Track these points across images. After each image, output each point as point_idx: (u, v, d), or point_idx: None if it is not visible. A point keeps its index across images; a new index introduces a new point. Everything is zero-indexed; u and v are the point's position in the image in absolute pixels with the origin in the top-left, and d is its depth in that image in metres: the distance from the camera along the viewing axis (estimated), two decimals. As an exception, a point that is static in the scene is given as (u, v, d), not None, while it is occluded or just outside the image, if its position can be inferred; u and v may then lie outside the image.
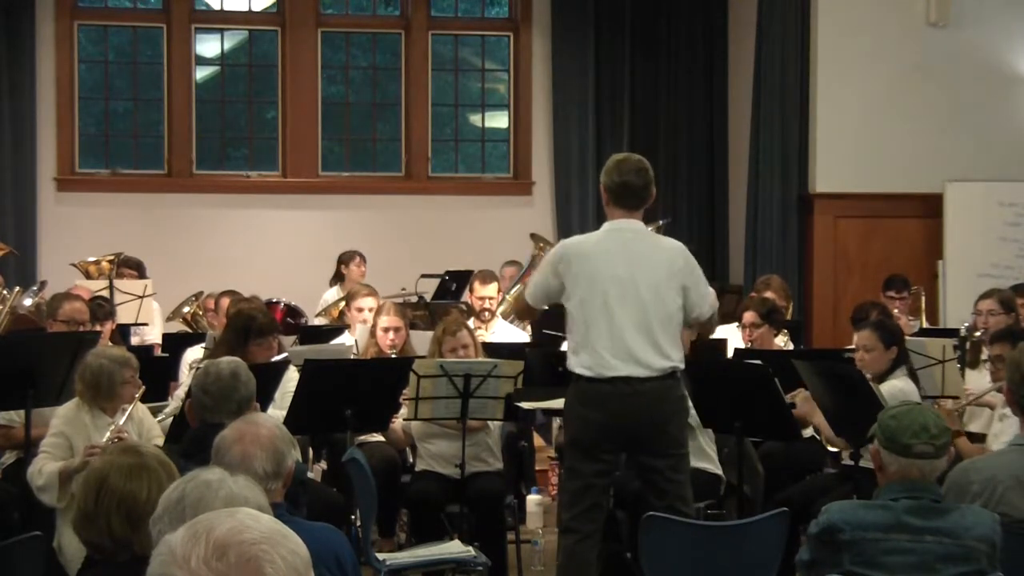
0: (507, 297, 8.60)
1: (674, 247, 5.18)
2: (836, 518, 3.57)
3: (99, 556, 2.95)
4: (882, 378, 5.64)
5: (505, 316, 8.30)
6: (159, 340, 8.05)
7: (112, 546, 2.88)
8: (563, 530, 5.10)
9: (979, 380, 6.31)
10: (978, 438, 5.72)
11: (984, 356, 6.31)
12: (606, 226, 5.16)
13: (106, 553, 2.91)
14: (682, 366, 5.09)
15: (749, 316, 7.00)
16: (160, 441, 5.09)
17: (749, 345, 6.92)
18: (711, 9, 11.74)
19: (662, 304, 5.00)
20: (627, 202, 5.08)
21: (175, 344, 7.43)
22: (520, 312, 5.73)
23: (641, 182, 5.09)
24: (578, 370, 5.01)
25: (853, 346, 5.98)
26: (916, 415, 3.60)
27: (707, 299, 5.16)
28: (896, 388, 5.50)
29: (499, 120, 12.14)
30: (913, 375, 5.89)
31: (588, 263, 5.01)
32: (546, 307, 5.43)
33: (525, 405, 6.07)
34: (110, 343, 6.71)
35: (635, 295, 4.97)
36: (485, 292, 7.96)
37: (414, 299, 9.21)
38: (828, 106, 10.31)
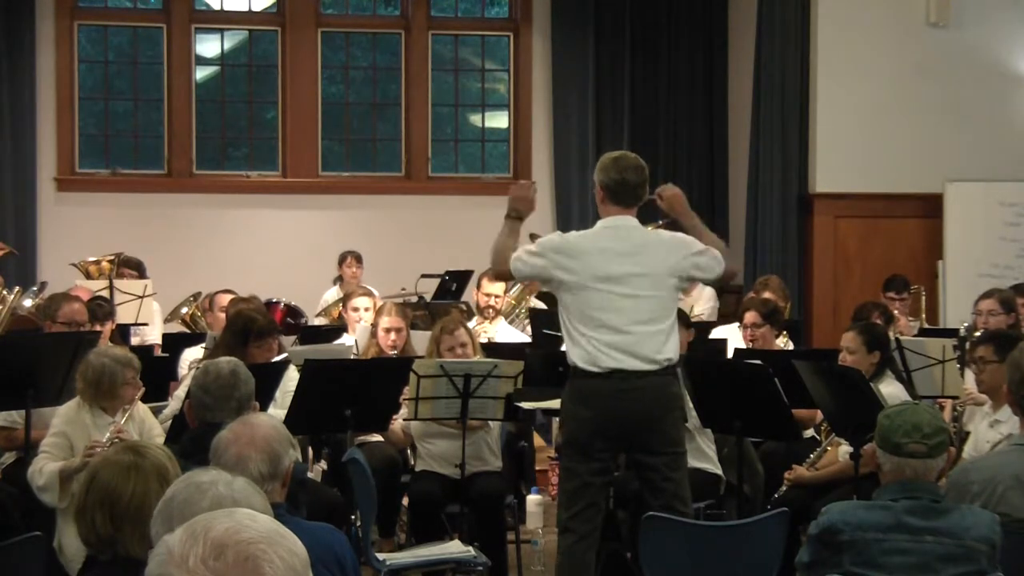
0: (509, 298, 8.64)
1: (668, 239, 5.18)
2: (836, 518, 3.57)
3: (92, 552, 2.95)
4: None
5: (506, 316, 8.34)
6: (159, 340, 8.05)
7: (97, 542, 2.88)
8: (561, 530, 5.10)
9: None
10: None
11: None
12: (601, 223, 5.17)
13: (94, 549, 2.91)
14: (676, 359, 5.08)
15: (751, 316, 7.00)
16: (161, 441, 5.09)
17: (750, 345, 6.92)
18: (711, 9, 11.74)
19: (658, 299, 5.01)
20: (624, 199, 5.10)
21: (175, 344, 7.43)
22: (499, 274, 5.69)
23: (638, 179, 5.11)
24: (578, 364, 5.01)
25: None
26: (909, 415, 3.60)
27: (713, 259, 5.09)
28: (892, 396, 5.50)
29: (499, 120, 12.14)
30: (901, 379, 5.90)
31: (585, 259, 5.02)
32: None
33: (525, 405, 6.07)
34: (110, 343, 6.71)
35: (631, 290, 4.98)
36: (492, 289, 8.02)
37: (414, 299, 9.21)
38: (828, 106, 10.31)
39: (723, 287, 5.45)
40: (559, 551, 5.11)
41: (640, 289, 4.99)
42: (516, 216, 5.38)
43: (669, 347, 5.03)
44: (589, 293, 4.99)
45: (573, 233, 5.37)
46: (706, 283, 5.38)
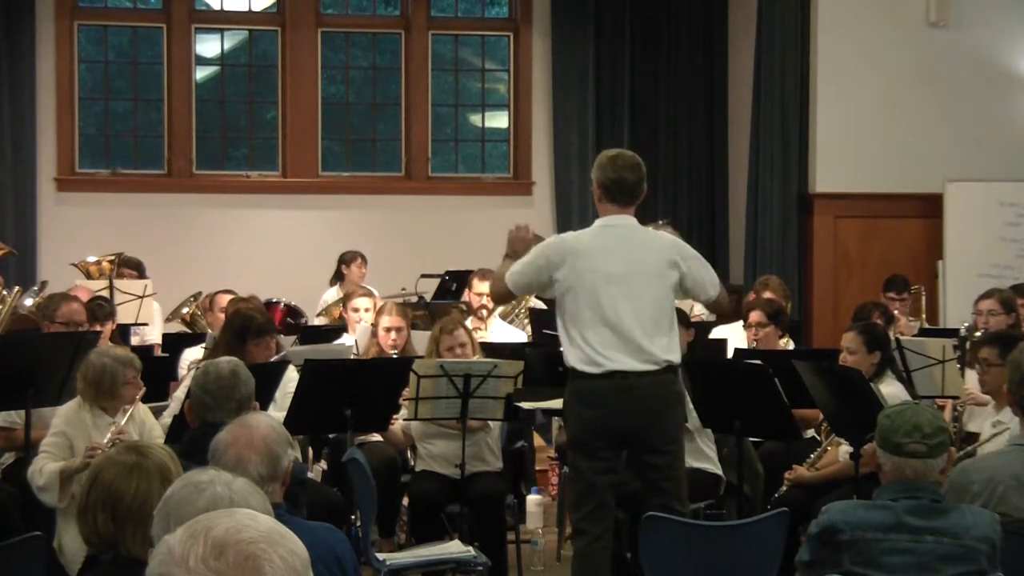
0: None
1: (666, 239, 5.23)
2: (836, 518, 3.57)
3: (93, 552, 2.96)
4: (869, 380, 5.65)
5: (504, 317, 8.32)
6: (159, 340, 8.05)
7: (98, 542, 2.88)
8: (575, 532, 5.10)
9: (980, 380, 6.31)
10: (976, 438, 5.72)
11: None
12: (599, 222, 5.18)
13: (96, 549, 2.92)
14: (678, 360, 5.08)
15: (756, 315, 7.01)
16: (161, 441, 5.09)
17: (754, 344, 6.92)
18: (711, 9, 11.74)
19: (658, 299, 5.01)
20: (621, 198, 5.11)
21: (175, 344, 7.43)
22: (497, 296, 5.63)
23: (635, 178, 5.12)
24: (576, 366, 5.00)
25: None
26: (910, 415, 3.59)
27: (709, 280, 5.15)
28: (892, 396, 5.50)
29: (499, 120, 12.14)
30: (901, 379, 5.91)
31: (584, 259, 5.02)
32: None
33: (525, 405, 6.07)
34: (110, 343, 6.71)
35: (631, 290, 4.98)
36: (483, 289, 7.98)
37: (414, 299, 9.21)
38: (828, 106, 10.31)
39: (717, 306, 5.42)
40: (574, 554, 5.11)
41: (638, 289, 4.99)
42: (514, 256, 5.31)
43: (670, 348, 5.02)
44: (587, 293, 4.98)
45: (570, 233, 5.38)
46: (698, 300, 5.33)
